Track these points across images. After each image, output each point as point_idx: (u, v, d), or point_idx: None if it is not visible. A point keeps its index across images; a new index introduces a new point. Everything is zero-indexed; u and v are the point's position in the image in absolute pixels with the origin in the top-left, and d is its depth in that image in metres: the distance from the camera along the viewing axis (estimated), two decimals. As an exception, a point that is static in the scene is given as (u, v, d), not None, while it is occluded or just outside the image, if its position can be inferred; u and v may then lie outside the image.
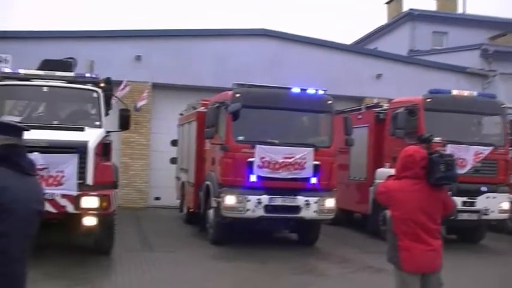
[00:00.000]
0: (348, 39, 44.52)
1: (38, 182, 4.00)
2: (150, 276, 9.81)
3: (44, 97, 11.51)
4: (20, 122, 10.29)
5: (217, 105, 12.62)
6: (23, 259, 3.63)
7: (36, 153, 9.21)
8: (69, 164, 9.65)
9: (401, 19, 33.49)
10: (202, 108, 14.41)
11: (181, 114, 17.30)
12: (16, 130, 3.69)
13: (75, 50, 16.07)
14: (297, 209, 12.14)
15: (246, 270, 10.57)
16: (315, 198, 12.17)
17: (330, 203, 12.39)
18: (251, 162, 11.88)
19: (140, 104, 18.37)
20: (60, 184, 9.57)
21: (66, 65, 12.31)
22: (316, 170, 12.25)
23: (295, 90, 12.71)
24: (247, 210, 11.87)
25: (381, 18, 46.85)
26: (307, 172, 12.13)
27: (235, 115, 11.96)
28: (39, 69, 12.03)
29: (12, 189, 3.47)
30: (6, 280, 3.48)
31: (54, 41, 18.64)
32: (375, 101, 16.93)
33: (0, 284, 3.46)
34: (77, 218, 9.98)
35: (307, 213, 12.18)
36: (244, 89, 12.55)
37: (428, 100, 13.40)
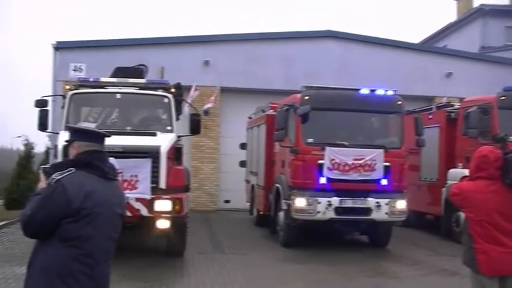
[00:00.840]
0: (416, 38, 43.80)
1: (119, 186, 4.17)
2: (223, 278, 9.91)
3: (117, 104, 11.82)
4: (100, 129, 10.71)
5: (286, 108, 12.65)
6: (107, 261, 3.82)
7: (111, 158, 9.47)
8: (142, 168, 9.89)
9: (471, 15, 32.62)
10: (271, 111, 14.48)
11: (250, 118, 17.41)
12: (98, 137, 3.90)
13: (146, 56, 16.46)
14: (367, 211, 12.03)
15: (317, 273, 10.55)
16: (386, 200, 12.04)
17: (401, 204, 12.23)
18: (321, 165, 11.86)
19: (207, 106, 18.62)
20: (135, 188, 9.81)
21: (137, 71, 12.61)
22: (387, 171, 12.11)
23: (364, 91, 12.61)
24: (318, 212, 11.84)
25: (450, 15, 45.88)
26: (378, 174, 12.01)
27: (304, 117, 11.97)
28: (112, 76, 12.37)
29: (97, 194, 3.65)
30: (92, 281, 3.65)
31: (125, 49, 19.14)
32: (444, 100, 16.58)
33: (87, 285, 3.62)
34: (150, 221, 10.21)
35: (378, 215, 12.05)
36: (313, 91, 12.55)
37: (503, 98, 13.01)
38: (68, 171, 3.61)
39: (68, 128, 4.11)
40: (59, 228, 3.53)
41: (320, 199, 11.81)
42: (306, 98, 12.20)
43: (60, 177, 3.57)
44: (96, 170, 3.73)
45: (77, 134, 3.90)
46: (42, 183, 3.84)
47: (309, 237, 13.09)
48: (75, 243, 3.56)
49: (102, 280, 3.77)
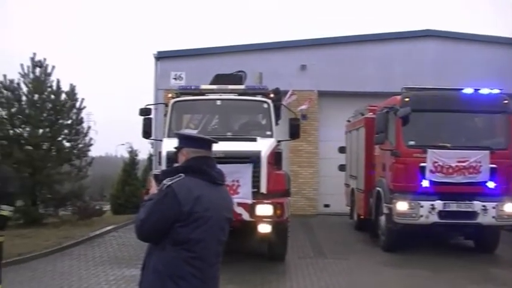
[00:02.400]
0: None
1: (227, 191, 4.23)
2: (325, 283, 9.88)
3: (218, 110, 12.06)
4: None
5: (386, 110, 12.47)
6: (217, 264, 3.90)
7: (212, 164, 9.70)
8: (244, 173, 10.03)
9: None
10: (370, 114, 14.32)
11: (348, 121, 17.29)
12: (207, 143, 3.98)
13: (244, 63, 16.65)
14: (473, 214, 11.63)
15: (420, 278, 10.30)
16: (493, 203, 11.59)
17: (510, 207, 11.73)
18: (423, 167, 11.59)
19: (301, 108, 18.60)
20: (236, 193, 9.95)
21: (237, 78, 12.82)
22: (493, 173, 11.67)
23: (468, 91, 12.23)
24: (420, 216, 11.57)
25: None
26: (483, 176, 11.59)
27: (405, 120, 11.76)
28: (212, 83, 12.64)
29: (206, 198, 3.74)
30: (203, 284, 3.75)
31: (223, 56, 19.50)
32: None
33: (201, 287, 3.72)
34: (252, 225, 10.32)
35: (485, 219, 11.61)
36: (413, 92, 12.30)
37: (406, 100, 12.19)
38: (178, 177, 3.71)
39: (177, 135, 4.21)
40: (171, 232, 3.64)
41: (423, 203, 11.54)
42: (406, 99, 11.97)
43: (170, 182, 3.68)
44: (204, 176, 3.81)
45: (186, 140, 3.99)
46: (153, 189, 3.98)
47: (411, 241, 12.80)
48: (187, 246, 3.66)
49: (212, 283, 3.85)
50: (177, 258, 3.66)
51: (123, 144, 49.42)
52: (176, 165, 3.95)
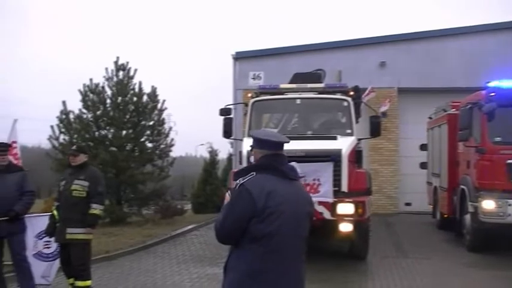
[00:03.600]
0: None
1: (302, 185, 4.30)
2: (408, 283, 9.69)
3: (297, 109, 12.03)
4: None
5: (470, 106, 12.11)
6: (298, 259, 3.96)
7: (293, 162, 9.69)
8: (324, 172, 9.98)
9: None
10: (453, 110, 13.96)
11: (430, 118, 16.91)
12: (275, 145, 4.05)
13: (323, 61, 16.58)
14: None
15: (507, 280, 9.93)
16: None
17: None
18: (510, 164, 11.18)
19: (383, 109, 18.36)
20: (317, 192, 9.92)
21: (316, 76, 12.76)
22: None
23: (557, 84, 11.71)
24: (509, 215, 11.16)
25: None
26: None
27: (490, 115, 11.39)
28: (291, 82, 12.64)
29: (278, 193, 3.81)
30: (283, 278, 3.83)
31: (301, 55, 19.49)
32: None
33: (278, 282, 3.80)
34: (333, 224, 10.25)
35: None
36: (498, 87, 11.89)
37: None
38: (250, 175, 3.84)
39: (251, 136, 4.34)
40: (248, 229, 3.73)
41: (511, 201, 11.14)
42: (492, 94, 11.58)
43: (243, 181, 3.82)
44: (275, 171, 3.91)
45: (256, 142, 4.09)
46: (228, 196, 4.13)
47: (498, 241, 12.37)
48: (263, 242, 3.74)
49: (293, 278, 3.91)
50: (253, 255, 3.75)
51: (202, 144, 50.28)
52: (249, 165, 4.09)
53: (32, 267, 8.07)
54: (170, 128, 19.00)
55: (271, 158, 3.96)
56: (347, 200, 10.07)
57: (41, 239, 8.34)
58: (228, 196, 4.16)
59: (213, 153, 24.73)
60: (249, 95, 12.53)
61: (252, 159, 4.42)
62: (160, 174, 18.77)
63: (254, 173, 3.88)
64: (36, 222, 8.33)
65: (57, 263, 8.52)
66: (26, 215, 8.13)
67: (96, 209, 7.68)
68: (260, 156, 3.99)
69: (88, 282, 7.77)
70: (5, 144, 8.45)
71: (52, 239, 8.16)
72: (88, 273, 7.82)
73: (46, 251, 8.42)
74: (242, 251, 3.78)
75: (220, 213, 3.91)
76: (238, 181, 3.85)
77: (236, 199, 3.81)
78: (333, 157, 10.12)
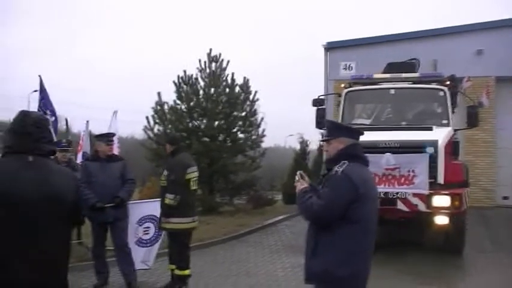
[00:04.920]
0: None
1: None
2: (508, 279, 9.37)
3: (391, 99, 11.84)
4: (370, 125, 10.85)
5: None
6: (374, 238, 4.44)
7: (388, 153, 9.60)
8: (419, 163, 9.78)
9: None
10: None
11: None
12: (359, 134, 4.58)
13: (416, 50, 16.21)
14: None
15: None
16: None
17: None
18: None
19: (483, 100, 17.72)
20: (412, 183, 9.75)
21: (410, 66, 12.50)
22: None
23: None
24: None
25: None
26: None
27: None
28: (384, 72, 12.44)
29: (369, 180, 4.43)
30: (370, 258, 4.36)
31: (394, 44, 19.08)
32: None
33: (368, 259, 4.34)
34: (428, 216, 10.05)
35: None
36: None
37: None
38: (343, 163, 4.24)
39: (333, 124, 4.80)
40: (346, 212, 4.13)
41: None
42: None
43: (342, 169, 4.20)
44: (361, 160, 4.42)
45: (346, 131, 4.56)
46: (300, 185, 4.50)
47: None
48: (360, 225, 4.18)
49: (370, 257, 4.40)
50: (352, 236, 4.15)
51: (292, 135, 50.32)
52: (329, 154, 4.51)
53: (133, 252, 8.37)
54: (262, 119, 19.12)
55: (358, 147, 4.45)
56: (443, 192, 9.83)
57: (141, 225, 8.62)
58: None
59: (304, 143, 24.72)
60: (342, 85, 12.43)
61: (325, 147, 4.68)
62: (252, 164, 18.94)
63: (346, 161, 4.26)
64: (137, 209, 8.61)
65: (156, 248, 8.80)
66: (129, 202, 8.45)
67: (167, 198, 7.87)
68: (348, 145, 4.40)
69: (185, 272, 7.95)
70: (113, 134, 8.84)
71: (151, 225, 8.52)
72: (184, 263, 8.00)
73: (145, 236, 8.70)
74: (338, 234, 4.15)
75: (317, 197, 4.25)
76: (336, 168, 4.22)
77: (339, 185, 4.17)
78: (428, 148, 9.90)
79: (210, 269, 9.96)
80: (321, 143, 9.22)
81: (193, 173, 8.00)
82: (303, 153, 24.48)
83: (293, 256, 11.02)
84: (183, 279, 7.98)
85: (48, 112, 11.62)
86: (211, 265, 10.33)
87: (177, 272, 7.94)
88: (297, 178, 4.60)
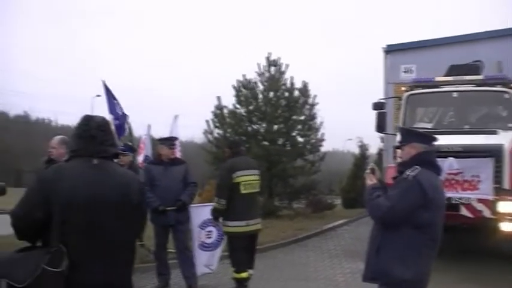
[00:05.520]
0: None
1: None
2: None
3: (454, 102, 11.58)
4: (432, 129, 10.64)
5: None
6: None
7: (451, 158, 9.40)
8: (484, 168, 9.53)
9: None
10: None
11: None
12: (433, 140, 4.61)
13: (479, 52, 15.83)
14: None
15: None
16: None
17: None
18: None
19: None
20: (476, 189, 9.51)
21: (473, 68, 12.19)
22: None
23: None
24: None
25: None
26: None
27: None
28: (446, 75, 12.18)
29: (439, 187, 4.44)
30: (432, 264, 4.41)
31: (455, 46, 18.72)
32: None
33: (429, 265, 4.36)
34: (492, 223, 9.77)
35: None
36: None
37: None
38: (414, 168, 4.27)
39: (406, 131, 4.89)
40: (413, 216, 4.19)
41: None
42: None
43: (414, 173, 4.24)
44: (433, 167, 4.45)
45: (417, 137, 4.58)
46: (370, 181, 4.60)
47: None
48: (426, 230, 4.23)
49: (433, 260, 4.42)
50: (417, 240, 4.21)
51: (350, 139, 50.01)
52: (402, 159, 4.55)
53: (196, 256, 8.45)
54: (321, 123, 19.06)
55: (430, 154, 4.47)
56: (509, 197, 9.55)
57: (203, 229, 8.69)
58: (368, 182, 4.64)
59: (363, 148, 24.55)
60: (403, 88, 12.23)
61: (399, 153, 4.71)
62: (311, 168, 18.89)
63: (418, 166, 4.29)
64: (199, 213, 8.68)
65: (219, 251, 8.85)
66: (191, 205, 8.55)
67: (215, 201, 7.93)
68: (420, 151, 4.42)
69: (241, 275, 7.92)
70: (175, 138, 8.97)
71: (213, 228, 8.61)
72: (238, 266, 7.97)
73: (208, 240, 8.75)
74: (403, 236, 4.23)
75: (384, 198, 4.33)
76: (408, 172, 4.28)
77: (409, 189, 4.21)
78: (493, 152, 9.64)
79: (269, 273, 9.97)
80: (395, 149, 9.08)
81: (242, 177, 7.90)
82: (362, 157, 24.31)
83: (353, 261, 10.91)
84: (241, 282, 7.99)
85: (112, 116, 11.92)
86: (270, 269, 10.33)
87: (234, 274, 7.98)
88: (367, 171, 4.68)
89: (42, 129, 62.27)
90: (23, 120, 65.19)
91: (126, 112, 12.52)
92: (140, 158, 12.97)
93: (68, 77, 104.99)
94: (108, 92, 12.17)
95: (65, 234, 3.29)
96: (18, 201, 3.44)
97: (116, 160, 3.87)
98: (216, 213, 7.99)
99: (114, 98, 12.20)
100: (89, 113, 3.89)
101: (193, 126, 60.90)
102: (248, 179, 7.95)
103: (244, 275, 7.95)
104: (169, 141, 8.70)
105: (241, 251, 7.97)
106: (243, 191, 7.86)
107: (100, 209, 3.38)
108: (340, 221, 16.50)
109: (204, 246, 8.70)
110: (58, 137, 6.55)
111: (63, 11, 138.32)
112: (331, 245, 13.18)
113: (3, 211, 7.99)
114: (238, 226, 7.85)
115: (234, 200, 7.82)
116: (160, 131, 21.16)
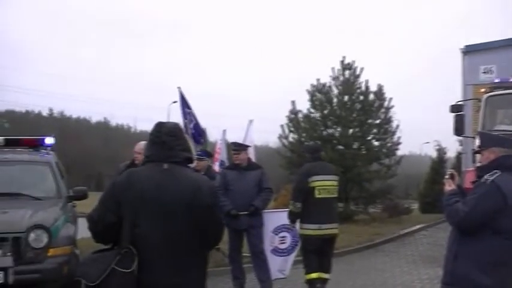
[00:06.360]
0: None
1: None
2: None
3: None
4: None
5: None
6: None
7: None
8: None
9: None
10: None
11: None
12: (511, 143, 4.38)
13: None
14: None
15: None
16: None
17: None
18: None
19: None
20: None
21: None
22: None
23: None
24: None
25: None
26: None
27: None
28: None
29: None
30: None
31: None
32: None
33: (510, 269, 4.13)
34: None
35: None
36: None
37: None
38: (494, 173, 4.12)
39: (485, 135, 4.71)
40: (491, 221, 4.05)
41: None
42: None
43: (492, 178, 4.10)
44: None
45: (498, 141, 4.40)
46: (449, 186, 4.48)
47: None
48: (507, 235, 4.05)
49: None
50: (497, 246, 4.05)
51: (428, 143, 48.99)
52: (481, 163, 4.36)
53: (269, 261, 8.47)
54: (397, 126, 18.77)
55: (511, 158, 4.25)
56: None
57: (277, 234, 8.70)
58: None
59: (441, 151, 24.02)
60: (482, 90, 11.88)
61: (478, 158, 4.53)
62: (387, 172, 18.64)
63: (498, 171, 4.14)
64: (273, 218, 8.69)
65: (292, 257, 8.84)
66: (264, 211, 8.57)
67: (290, 204, 8.00)
68: (500, 156, 4.24)
69: (311, 275, 7.92)
70: (238, 144, 8.99)
71: (287, 234, 8.62)
72: (306, 267, 8.00)
73: (282, 246, 8.74)
74: (482, 242, 4.07)
75: (462, 204, 4.17)
76: (486, 177, 4.13)
77: (487, 194, 4.07)
78: None
79: (345, 278, 9.88)
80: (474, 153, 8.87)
81: (318, 182, 7.89)
82: (440, 161, 23.78)
83: (430, 267, 10.68)
84: (312, 283, 7.98)
85: (185, 122, 11.93)
86: (347, 274, 10.24)
87: (305, 276, 7.99)
88: (446, 177, 4.59)
89: (122, 135, 64.18)
90: (104, 126, 67.33)
91: (201, 124, 12.40)
92: (216, 167, 12.91)
93: (147, 85, 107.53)
94: (183, 100, 12.16)
95: (135, 236, 3.40)
96: (95, 205, 3.59)
97: (192, 165, 3.92)
98: (292, 216, 8.03)
99: (189, 107, 12.18)
100: (165, 119, 3.98)
101: (268, 131, 61.05)
102: (323, 184, 7.93)
103: (313, 275, 7.94)
104: (244, 146, 8.81)
105: (312, 254, 7.98)
106: (318, 196, 7.86)
107: (168, 213, 3.45)
108: (418, 226, 16.20)
109: (278, 252, 8.70)
110: (143, 143, 6.71)
111: (148, 25, 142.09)
112: (409, 250, 12.96)
113: (84, 214, 8.27)
114: (310, 229, 7.87)
115: (309, 203, 7.83)
116: (236, 136, 21.34)
